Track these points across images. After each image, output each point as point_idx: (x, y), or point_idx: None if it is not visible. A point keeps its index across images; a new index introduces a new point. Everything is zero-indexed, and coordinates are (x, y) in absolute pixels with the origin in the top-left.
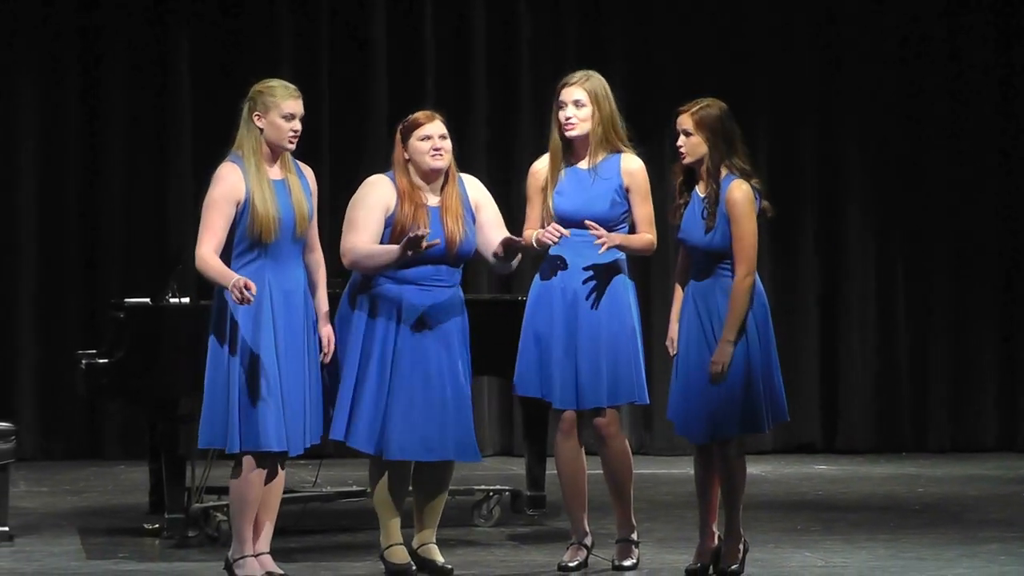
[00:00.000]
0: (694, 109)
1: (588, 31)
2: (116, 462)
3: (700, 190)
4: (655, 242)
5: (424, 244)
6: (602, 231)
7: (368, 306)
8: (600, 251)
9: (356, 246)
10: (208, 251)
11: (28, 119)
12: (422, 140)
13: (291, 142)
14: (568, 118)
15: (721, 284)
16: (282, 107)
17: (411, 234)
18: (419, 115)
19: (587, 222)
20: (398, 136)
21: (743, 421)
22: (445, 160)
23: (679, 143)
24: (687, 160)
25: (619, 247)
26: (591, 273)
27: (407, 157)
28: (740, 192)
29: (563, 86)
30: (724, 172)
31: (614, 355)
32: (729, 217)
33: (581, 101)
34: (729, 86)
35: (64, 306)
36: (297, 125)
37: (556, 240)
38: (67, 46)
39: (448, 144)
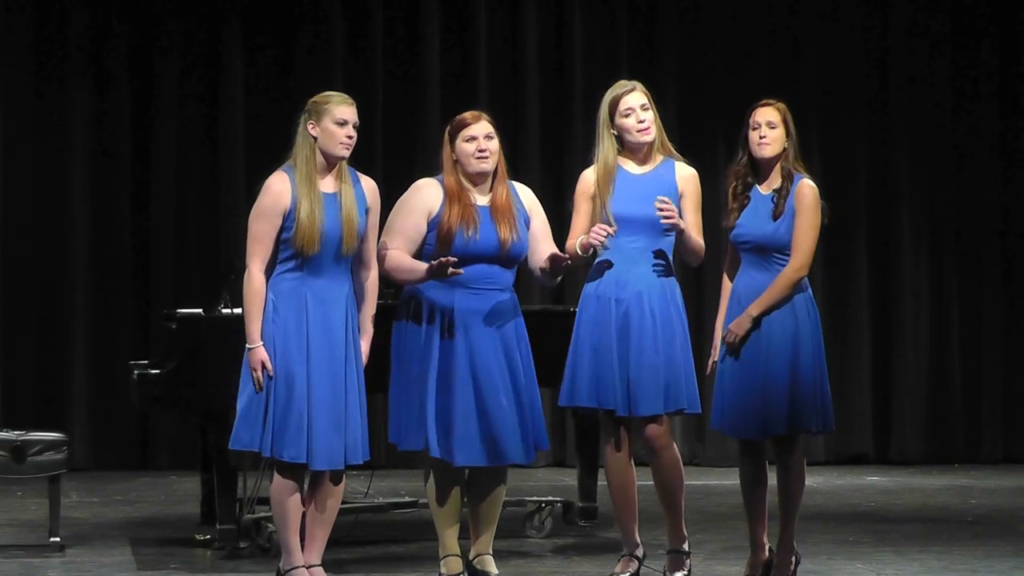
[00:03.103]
0: (775, 103)
1: (639, 40)
2: (167, 472)
3: (764, 188)
4: (703, 249)
5: (450, 272)
6: (673, 209)
7: (421, 312)
8: (668, 226)
9: (388, 253)
10: (257, 272)
11: (81, 130)
12: (467, 141)
13: (344, 148)
14: (642, 121)
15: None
16: (335, 113)
17: (442, 260)
18: (466, 115)
19: (659, 198)
20: (446, 136)
21: (806, 417)
22: (491, 162)
23: (763, 134)
24: (769, 153)
25: (683, 231)
26: (645, 281)
27: (455, 158)
28: (810, 188)
29: (622, 95)
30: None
31: (668, 363)
32: (796, 210)
33: (646, 105)
34: (780, 96)
35: (116, 316)
36: (351, 131)
37: (603, 239)
38: (119, 57)
39: (494, 144)
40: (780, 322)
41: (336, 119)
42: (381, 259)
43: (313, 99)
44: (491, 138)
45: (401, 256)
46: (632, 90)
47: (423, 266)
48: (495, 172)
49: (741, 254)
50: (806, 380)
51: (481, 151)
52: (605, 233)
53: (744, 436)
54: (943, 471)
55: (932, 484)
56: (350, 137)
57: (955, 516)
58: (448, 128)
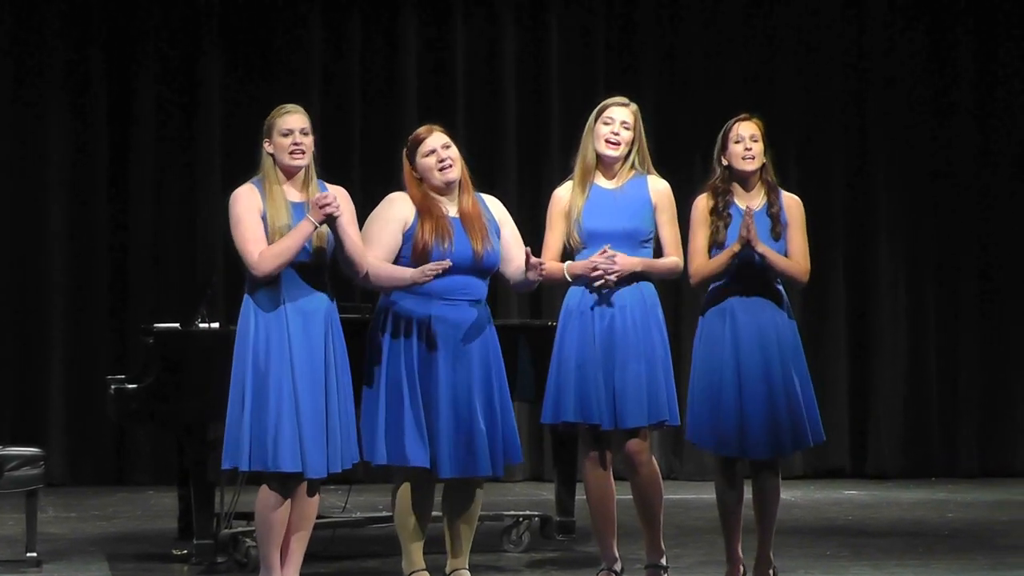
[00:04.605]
0: (752, 117)
1: (617, 57)
2: (145, 487)
3: (745, 203)
4: (681, 264)
5: (435, 274)
6: (619, 260)
7: (397, 325)
8: (612, 279)
9: (368, 260)
10: (258, 254)
11: (58, 144)
12: (427, 156)
13: (293, 157)
14: (616, 134)
15: (774, 299)
16: (279, 125)
17: (432, 270)
18: (419, 131)
19: (607, 248)
20: (404, 157)
21: (811, 433)
22: (456, 169)
23: (748, 147)
24: (754, 167)
25: (644, 272)
26: (627, 294)
27: (418, 176)
28: (796, 200)
29: (611, 105)
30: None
31: (650, 374)
32: (789, 223)
33: (627, 123)
34: (757, 111)
35: (93, 331)
36: (297, 138)
37: (611, 276)
38: (97, 71)
39: (453, 152)
40: (788, 342)
41: (281, 131)
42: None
43: (267, 118)
44: (448, 147)
45: (380, 264)
46: (623, 105)
47: (406, 272)
48: (460, 182)
49: (733, 275)
50: (808, 396)
51: (442, 161)
52: (609, 266)
53: (767, 455)
54: (920, 485)
55: (909, 498)
56: (297, 144)
57: (932, 530)
58: (404, 150)
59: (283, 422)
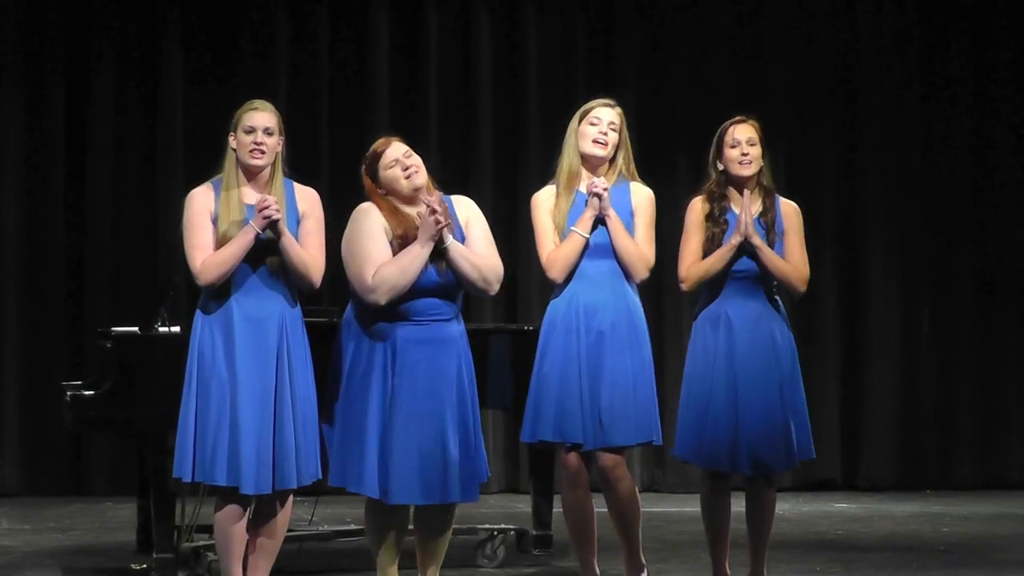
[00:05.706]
0: (749, 120)
1: (597, 54)
2: (103, 498)
3: (742, 207)
4: (649, 260)
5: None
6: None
7: (362, 346)
8: (598, 189)
9: (378, 275)
10: (200, 262)
11: (14, 143)
12: (390, 168)
13: (253, 156)
14: (604, 133)
15: (772, 308)
16: (244, 121)
17: (429, 216)
18: (376, 145)
19: (593, 181)
20: (365, 174)
21: (803, 449)
22: (422, 175)
23: (745, 151)
24: (752, 171)
25: (610, 217)
26: (613, 308)
27: (383, 192)
28: (794, 207)
29: (597, 106)
30: None
31: (636, 393)
32: (785, 229)
33: (615, 124)
34: (744, 111)
35: (50, 335)
36: (259, 137)
37: (601, 189)
38: (54, 70)
39: (416, 159)
40: (786, 354)
41: (245, 127)
42: (381, 282)
43: (238, 110)
44: (410, 155)
45: (389, 265)
46: (610, 106)
47: (415, 244)
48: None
49: (728, 281)
50: (803, 411)
51: (406, 169)
52: (603, 186)
53: (760, 472)
54: (914, 497)
55: (903, 511)
56: (258, 144)
57: (927, 544)
58: (364, 166)
59: (221, 434)
